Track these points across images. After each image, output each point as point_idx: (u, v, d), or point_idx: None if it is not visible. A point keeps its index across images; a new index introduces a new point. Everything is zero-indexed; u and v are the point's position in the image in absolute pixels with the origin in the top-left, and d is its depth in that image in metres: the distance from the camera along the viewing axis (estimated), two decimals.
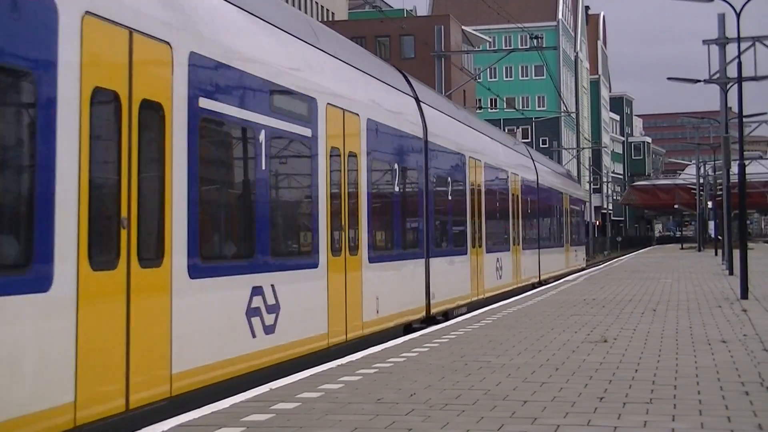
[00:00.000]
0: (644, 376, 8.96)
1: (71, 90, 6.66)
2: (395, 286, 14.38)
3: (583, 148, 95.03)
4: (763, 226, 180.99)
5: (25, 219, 6.26)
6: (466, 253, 19.03)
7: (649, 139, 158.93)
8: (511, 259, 23.95)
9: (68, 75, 6.62)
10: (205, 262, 8.45)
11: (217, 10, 9.22)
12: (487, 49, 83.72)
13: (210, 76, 8.69)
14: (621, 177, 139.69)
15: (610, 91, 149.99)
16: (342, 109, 12.10)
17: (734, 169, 24.56)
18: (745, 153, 22.16)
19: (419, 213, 15.75)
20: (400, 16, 71.63)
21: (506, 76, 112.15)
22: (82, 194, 6.73)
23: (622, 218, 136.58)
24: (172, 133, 7.97)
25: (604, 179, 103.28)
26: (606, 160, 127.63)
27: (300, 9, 68.01)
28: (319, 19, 77.16)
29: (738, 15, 23.65)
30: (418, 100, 16.49)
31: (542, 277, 29.15)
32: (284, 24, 11.00)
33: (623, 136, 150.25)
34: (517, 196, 25.13)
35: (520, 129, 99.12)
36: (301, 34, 11.49)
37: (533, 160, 29.59)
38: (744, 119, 23.16)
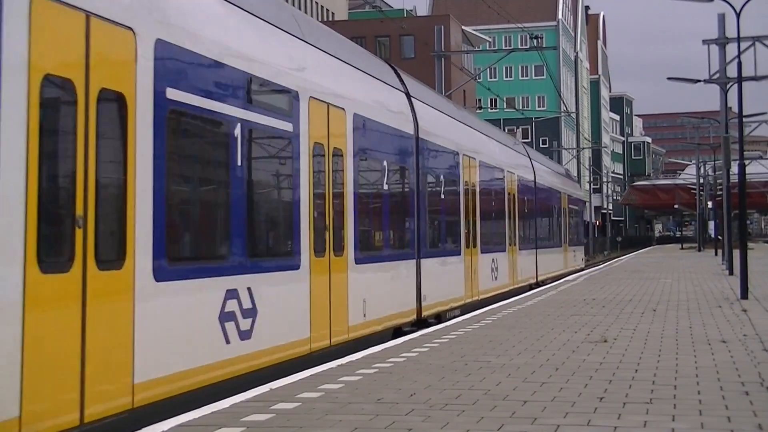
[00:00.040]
0: (644, 376, 8.96)
1: (17, 78, 6.16)
2: (384, 288, 13.85)
3: (583, 148, 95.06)
4: (763, 226, 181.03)
5: None
6: (459, 254, 18.55)
7: (649, 139, 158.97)
8: (507, 260, 23.57)
9: (14, 61, 6.12)
10: (172, 264, 7.93)
11: None
12: (487, 49, 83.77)
13: (179, 66, 8.17)
14: (621, 177, 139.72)
15: (610, 91, 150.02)
16: (326, 103, 11.64)
17: (734, 169, 24.56)
18: (745, 153, 22.16)
19: (410, 212, 15.28)
20: (400, 16, 71.63)
21: (506, 76, 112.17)
22: (30, 191, 6.23)
23: (622, 218, 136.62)
24: (135, 125, 7.46)
25: (604, 179, 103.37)
26: (606, 160, 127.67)
27: (300, 9, 67.99)
28: (319, 19, 77.19)
29: (738, 15, 23.65)
30: (409, 96, 16.04)
31: (540, 278, 28.92)
32: (263, 12, 10.44)
33: (623, 136, 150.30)
34: (514, 195, 24.80)
35: (520, 129, 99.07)
36: (283, 24, 10.96)
37: (531, 159, 29.28)
38: (744, 119, 23.17)
